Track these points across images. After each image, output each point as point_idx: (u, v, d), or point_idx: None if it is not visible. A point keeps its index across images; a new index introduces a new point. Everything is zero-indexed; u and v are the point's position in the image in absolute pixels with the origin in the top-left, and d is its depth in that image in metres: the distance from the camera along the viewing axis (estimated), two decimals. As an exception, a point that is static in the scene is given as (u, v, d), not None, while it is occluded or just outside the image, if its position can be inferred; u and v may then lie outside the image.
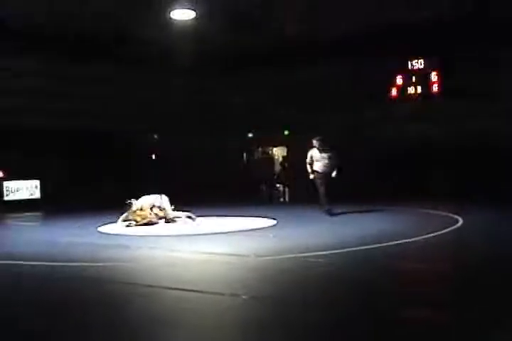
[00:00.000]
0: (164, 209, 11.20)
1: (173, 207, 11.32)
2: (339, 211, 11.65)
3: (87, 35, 15.33)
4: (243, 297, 5.29)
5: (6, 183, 16.05)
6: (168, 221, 11.20)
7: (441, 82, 16.22)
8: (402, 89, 16.82)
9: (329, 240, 8.55)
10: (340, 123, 17.13)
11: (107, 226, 10.93)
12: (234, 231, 9.89)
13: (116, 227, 10.74)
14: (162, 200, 11.23)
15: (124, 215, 11.05)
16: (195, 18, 13.41)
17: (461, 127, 15.33)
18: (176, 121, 18.36)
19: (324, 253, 7.32)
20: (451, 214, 10.92)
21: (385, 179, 15.96)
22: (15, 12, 13.40)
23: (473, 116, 15.09)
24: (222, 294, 5.44)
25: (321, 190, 11.52)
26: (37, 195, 16.57)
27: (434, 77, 16.31)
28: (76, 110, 16.75)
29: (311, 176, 11.77)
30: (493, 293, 5.20)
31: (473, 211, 11.75)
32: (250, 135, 20.60)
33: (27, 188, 16.44)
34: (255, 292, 5.50)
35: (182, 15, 13.22)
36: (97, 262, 7.23)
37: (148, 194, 11.35)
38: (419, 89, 16.57)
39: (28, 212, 14.70)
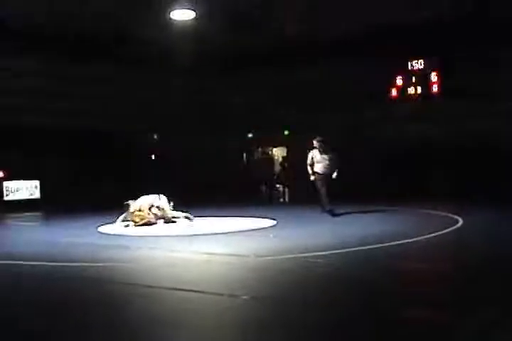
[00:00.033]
0: (163, 209, 11.19)
1: (171, 207, 11.31)
2: (341, 211, 11.64)
3: (87, 35, 15.33)
4: (243, 297, 5.28)
5: (5, 183, 16.05)
6: (167, 221, 11.19)
7: (441, 82, 16.22)
8: (402, 90, 16.82)
9: (329, 240, 8.55)
10: (340, 123, 17.13)
11: (107, 226, 10.92)
12: (234, 232, 9.88)
13: (116, 228, 10.73)
14: (161, 200, 11.23)
15: (123, 216, 11.04)
16: (195, 18, 13.41)
17: (461, 127, 15.33)
18: (176, 121, 18.37)
19: (324, 253, 7.31)
20: (451, 215, 10.92)
21: (385, 179, 15.96)
22: (15, 12, 13.40)
23: (473, 117, 15.08)
24: (222, 294, 5.44)
25: (322, 190, 11.51)
26: (37, 195, 16.57)
27: (434, 77, 16.31)
28: (76, 110, 16.76)
29: (312, 178, 11.75)
30: (494, 293, 5.19)
31: (473, 211, 11.75)
32: (250, 135, 20.60)
33: (27, 188, 16.44)
34: (255, 292, 5.49)
35: (182, 15, 13.22)
36: (97, 262, 7.22)
37: (148, 194, 11.34)
38: (419, 89, 16.57)
39: (27, 212, 14.70)
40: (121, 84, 17.35)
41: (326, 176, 11.59)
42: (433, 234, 8.67)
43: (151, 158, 19.96)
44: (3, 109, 15.25)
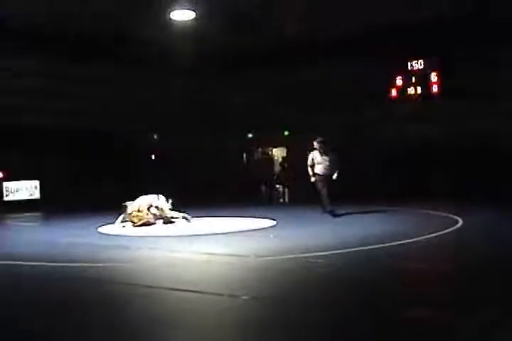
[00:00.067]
0: (162, 209, 11.17)
1: (170, 207, 11.29)
2: (342, 212, 11.62)
3: (87, 35, 15.32)
4: (243, 297, 5.28)
5: (5, 184, 16.04)
6: (166, 221, 11.17)
7: (441, 83, 16.22)
8: (402, 90, 16.81)
9: (329, 240, 8.55)
10: (340, 123, 17.13)
11: (107, 226, 10.91)
12: (234, 232, 9.88)
13: (115, 228, 10.72)
14: (160, 200, 11.21)
15: (122, 217, 11.02)
16: (195, 19, 13.40)
17: (461, 127, 15.32)
18: (176, 121, 18.37)
19: (324, 253, 7.31)
20: (451, 215, 10.91)
21: (385, 179, 15.96)
22: (15, 12, 13.39)
23: (473, 117, 15.08)
24: (222, 294, 5.44)
25: (323, 191, 11.48)
26: (36, 195, 16.55)
27: (434, 77, 16.31)
28: (76, 110, 16.75)
29: (313, 179, 11.73)
30: (494, 293, 5.19)
31: (473, 211, 11.74)
32: (250, 135, 20.60)
33: (26, 189, 16.43)
34: (255, 292, 5.49)
35: (182, 15, 13.21)
36: (97, 263, 7.22)
37: (148, 194, 11.33)
38: (419, 89, 16.57)
39: (27, 212, 14.69)
40: (121, 84, 17.34)
41: (326, 177, 11.56)
42: (433, 234, 8.67)
43: (151, 158, 19.96)
44: (3, 109, 15.25)
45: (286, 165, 20.03)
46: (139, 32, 14.85)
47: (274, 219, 11.22)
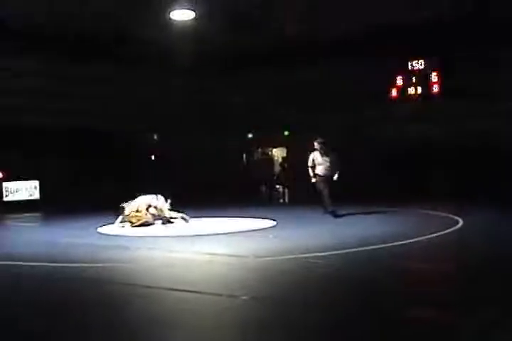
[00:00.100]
0: (161, 209, 11.14)
1: (168, 207, 11.26)
2: (343, 212, 11.60)
3: (87, 35, 15.32)
4: (243, 297, 5.28)
5: (5, 184, 16.02)
6: (164, 221, 11.15)
7: (441, 83, 16.22)
8: (403, 90, 16.81)
9: (329, 241, 8.54)
10: (340, 123, 17.13)
11: (106, 227, 10.91)
12: (233, 232, 9.87)
13: (115, 229, 10.71)
14: (158, 200, 11.18)
15: (120, 217, 11.00)
16: (195, 19, 13.39)
17: (462, 127, 15.32)
18: (176, 121, 18.36)
19: (324, 254, 7.30)
20: (451, 215, 10.90)
21: (385, 179, 15.94)
22: (15, 12, 13.39)
23: (474, 116, 15.08)
24: (222, 295, 5.43)
25: (325, 192, 11.44)
26: (36, 195, 16.53)
27: (434, 77, 16.31)
28: (76, 110, 16.74)
29: (313, 180, 11.71)
30: (495, 293, 5.19)
31: (473, 211, 11.73)
32: (250, 135, 20.59)
33: (26, 189, 16.41)
34: (255, 292, 5.49)
35: (182, 15, 13.21)
36: (97, 263, 7.22)
37: (148, 194, 11.30)
38: (419, 89, 16.57)
39: (27, 212, 14.67)
40: (121, 84, 17.34)
41: (327, 178, 11.53)
42: (434, 235, 8.66)
43: (151, 158, 19.95)
44: (3, 109, 15.24)
45: (286, 165, 20.03)
46: (139, 32, 14.86)
47: (274, 220, 11.21)
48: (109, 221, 11.25)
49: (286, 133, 19.45)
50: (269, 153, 21.70)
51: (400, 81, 16.80)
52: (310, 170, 11.73)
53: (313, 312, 4.77)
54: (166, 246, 8.53)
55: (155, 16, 13.51)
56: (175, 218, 11.25)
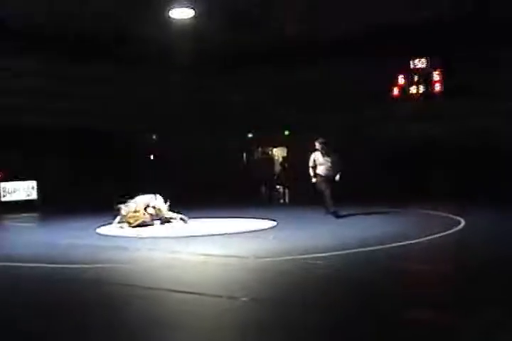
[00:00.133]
0: (159, 209, 11.09)
1: (167, 207, 11.23)
2: (344, 213, 11.57)
3: (87, 35, 15.32)
4: (242, 299, 5.26)
5: (2, 184, 15.97)
6: (163, 221, 11.11)
7: (442, 82, 16.21)
8: (404, 89, 16.81)
9: (329, 242, 8.52)
10: (341, 123, 17.12)
11: (105, 227, 10.88)
12: (233, 233, 9.83)
13: (114, 229, 10.67)
14: (157, 200, 11.13)
15: (119, 218, 10.95)
16: (194, 17, 13.39)
17: (463, 126, 15.33)
18: (176, 120, 18.35)
19: (324, 255, 7.28)
20: (452, 216, 10.87)
21: (386, 179, 15.92)
22: (15, 12, 13.39)
23: (475, 115, 15.09)
24: (221, 296, 5.42)
25: (326, 192, 11.37)
26: (34, 195, 16.48)
27: (435, 76, 16.29)
28: (76, 110, 16.75)
29: (314, 180, 11.67)
30: (496, 294, 5.18)
31: (474, 211, 11.70)
32: (250, 135, 20.58)
33: (24, 189, 16.37)
34: (254, 294, 5.47)
35: (181, 14, 13.20)
36: (96, 264, 7.20)
37: (147, 194, 11.26)
38: (421, 88, 16.56)
39: (25, 213, 14.64)
40: (121, 84, 17.34)
41: (328, 178, 11.49)
42: (435, 235, 8.64)
43: (150, 157, 19.94)
44: (3, 109, 15.24)
45: (286, 165, 20.01)
46: (139, 31, 14.86)
47: (274, 220, 11.18)
48: (109, 222, 11.23)
49: (286, 132, 19.43)
50: (270, 152, 21.69)
51: (401, 80, 16.79)
52: (311, 170, 11.69)
53: (313, 313, 4.76)
54: (165, 247, 8.52)
55: (154, 15, 13.51)
56: (174, 218, 11.20)
